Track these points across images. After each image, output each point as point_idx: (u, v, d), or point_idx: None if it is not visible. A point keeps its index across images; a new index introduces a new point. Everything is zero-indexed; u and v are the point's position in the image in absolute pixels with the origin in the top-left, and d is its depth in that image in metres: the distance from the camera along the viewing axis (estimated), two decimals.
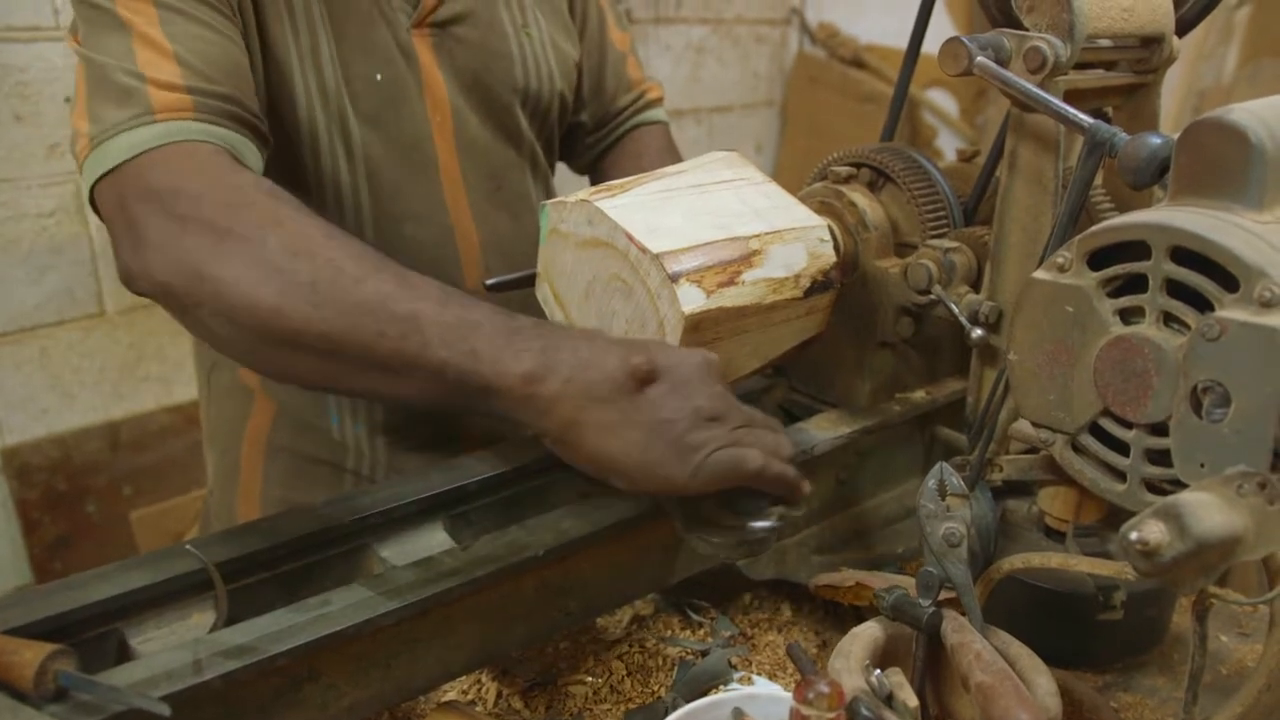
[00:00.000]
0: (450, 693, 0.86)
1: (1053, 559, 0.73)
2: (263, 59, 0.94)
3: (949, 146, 3.39)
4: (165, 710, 0.61)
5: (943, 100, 3.45)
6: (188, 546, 0.77)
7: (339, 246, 0.74)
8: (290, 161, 1.00)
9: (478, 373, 0.72)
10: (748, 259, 0.83)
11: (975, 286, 0.92)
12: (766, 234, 0.85)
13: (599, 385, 0.72)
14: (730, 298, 0.81)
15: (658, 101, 1.36)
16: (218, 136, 0.80)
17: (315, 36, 0.98)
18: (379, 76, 1.02)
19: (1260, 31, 2.94)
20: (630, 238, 0.80)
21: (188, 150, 0.77)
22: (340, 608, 0.72)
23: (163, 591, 0.76)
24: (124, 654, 0.75)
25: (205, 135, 0.79)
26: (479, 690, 0.87)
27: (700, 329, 0.80)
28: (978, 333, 0.88)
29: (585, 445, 0.73)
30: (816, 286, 0.87)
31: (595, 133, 1.33)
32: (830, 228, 0.93)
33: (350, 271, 0.72)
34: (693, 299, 0.79)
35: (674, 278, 0.78)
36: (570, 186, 1.04)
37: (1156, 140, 0.68)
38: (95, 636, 0.74)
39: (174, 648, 0.68)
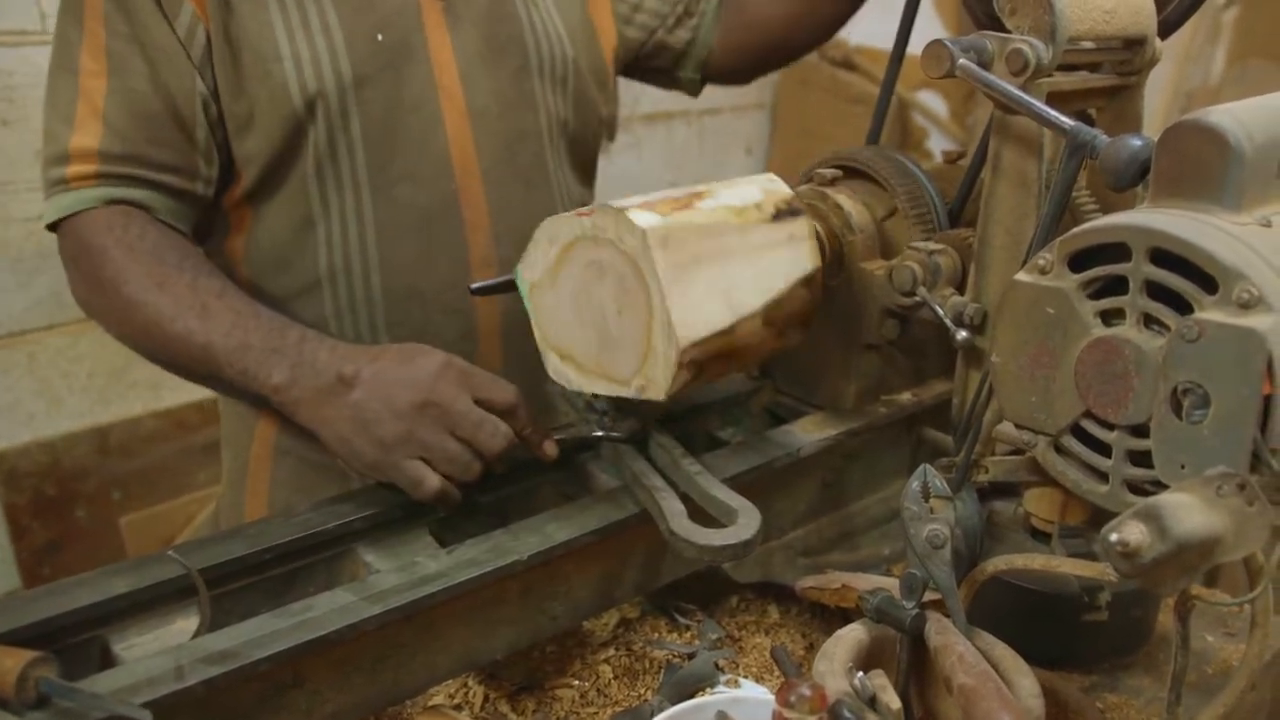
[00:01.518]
0: (436, 697, 0.86)
1: (1035, 560, 0.73)
2: (236, 48, 0.99)
3: (939, 148, 3.39)
4: (147, 717, 0.61)
5: (933, 102, 3.45)
6: (170, 553, 0.77)
7: (169, 290, 0.96)
8: (281, 133, 1.02)
9: (250, 386, 0.94)
10: (698, 195, 0.85)
11: (960, 288, 0.92)
12: (714, 185, 0.87)
13: (319, 391, 0.91)
14: (689, 217, 0.82)
15: None
16: (120, 197, 0.99)
17: (304, 7, 1.01)
18: (380, 36, 1.03)
19: (1248, 32, 2.96)
20: (580, 213, 0.82)
21: (90, 216, 0.99)
22: (324, 613, 0.72)
23: (146, 597, 0.76)
24: (107, 660, 0.75)
25: (108, 198, 0.99)
26: (465, 694, 0.86)
27: (674, 246, 0.80)
28: (963, 335, 0.88)
29: (320, 437, 0.92)
30: (783, 213, 0.87)
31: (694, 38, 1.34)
32: (815, 229, 0.93)
33: (167, 313, 0.95)
34: (648, 219, 0.79)
35: (624, 209, 0.80)
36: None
37: (1137, 142, 0.68)
38: (78, 643, 0.74)
39: (156, 654, 0.68)
